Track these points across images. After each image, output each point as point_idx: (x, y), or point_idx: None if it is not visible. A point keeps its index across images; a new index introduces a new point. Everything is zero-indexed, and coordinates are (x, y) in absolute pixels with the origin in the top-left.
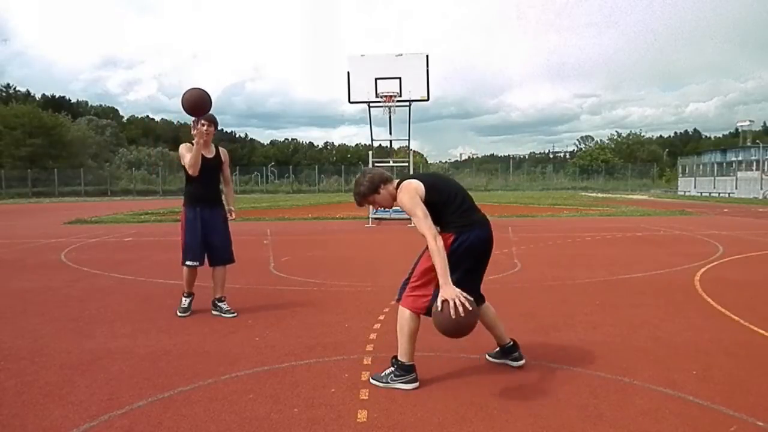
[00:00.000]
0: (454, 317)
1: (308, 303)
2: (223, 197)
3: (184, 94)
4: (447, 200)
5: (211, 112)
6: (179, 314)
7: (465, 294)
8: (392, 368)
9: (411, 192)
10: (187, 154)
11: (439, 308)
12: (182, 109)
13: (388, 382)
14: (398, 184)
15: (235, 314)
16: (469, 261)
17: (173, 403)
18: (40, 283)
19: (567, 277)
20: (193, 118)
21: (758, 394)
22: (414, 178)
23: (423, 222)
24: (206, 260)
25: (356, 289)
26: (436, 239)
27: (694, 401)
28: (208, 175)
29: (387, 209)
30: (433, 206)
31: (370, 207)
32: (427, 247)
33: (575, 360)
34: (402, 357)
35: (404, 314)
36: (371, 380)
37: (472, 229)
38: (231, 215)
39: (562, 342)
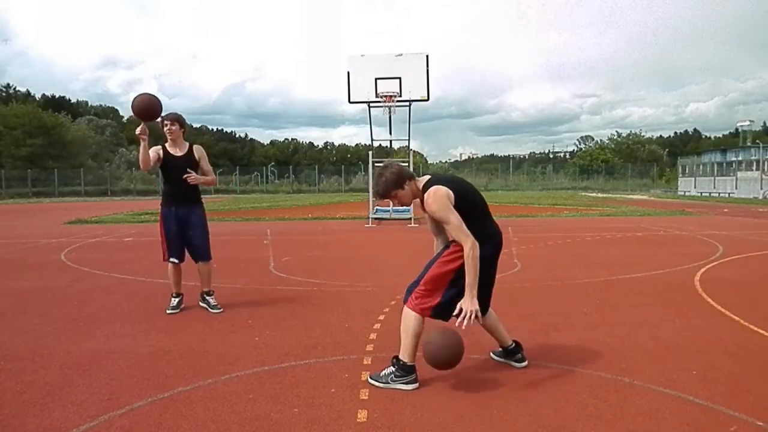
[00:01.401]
0: (453, 345)
1: (308, 303)
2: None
3: (134, 99)
4: (473, 206)
5: (210, 112)
6: (168, 312)
7: (479, 312)
8: (393, 368)
9: (443, 199)
10: (153, 155)
11: (455, 312)
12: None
13: (388, 383)
14: (425, 186)
15: (221, 310)
16: (488, 267)
17: (173, 403)
18: (40, 283)
19: (567, 277)
20: (161, 119)
21: (758, 394)
22: (440, 182)
23: (459, 229)
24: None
25: (356, 289)
26: (473, 248)
27: (694, 401)
28: (180, 174)
29: (403, 207)
30: (461, 213)
31: (370, 206)
32: (440, 254)
33: (575, 360)
34: (404, 357)
35: (410, 315)
36: (369, 380)
37: (492, 237)
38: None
39: (562, 342)
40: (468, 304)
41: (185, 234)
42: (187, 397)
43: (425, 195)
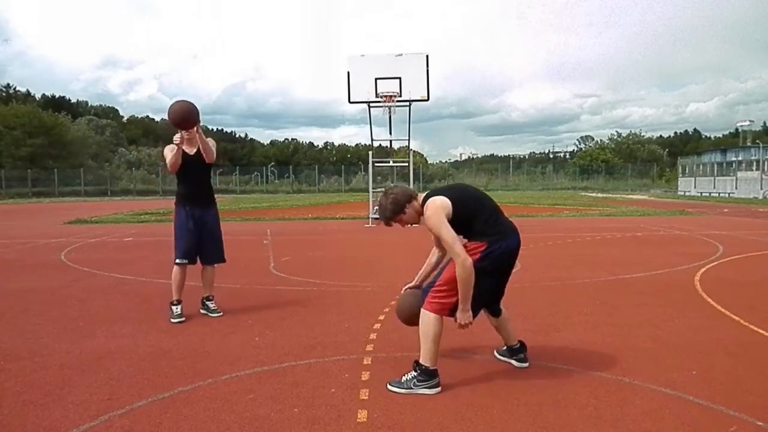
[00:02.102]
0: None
1: (308, 303)
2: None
3: (171, 107)
4: (475, 210)
5: (210, 112)
6: (173, 321)
7: (472, 323)
8: (414, 373)
9: (438, 211)
10: (169, 154)
11: (456, 323)
12: (170, 121)
13: (411, 388)
14: (424, 200)
15: (221, 314)
16: (499, 268)
17: (173, 403)
18: (40, 283)
19: (567, 277)
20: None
21: (758, 394)
22: (439, 193)
23: (452, 247)
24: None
25: (356, 289)
26: (464, 266)
27: (694, 401)
28: (195, 172)
29: (414, 225)
30: (463, 219)
31: (370, 206)
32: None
33: (575, 360)
34: (425, 361)
35: (428, 318)
36: (390, 387)
37: (503, 238)
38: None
39: (562, 342)
40: (464, 318)
41: (199, 235)
42: (187, 397)
43: (424, 209)
